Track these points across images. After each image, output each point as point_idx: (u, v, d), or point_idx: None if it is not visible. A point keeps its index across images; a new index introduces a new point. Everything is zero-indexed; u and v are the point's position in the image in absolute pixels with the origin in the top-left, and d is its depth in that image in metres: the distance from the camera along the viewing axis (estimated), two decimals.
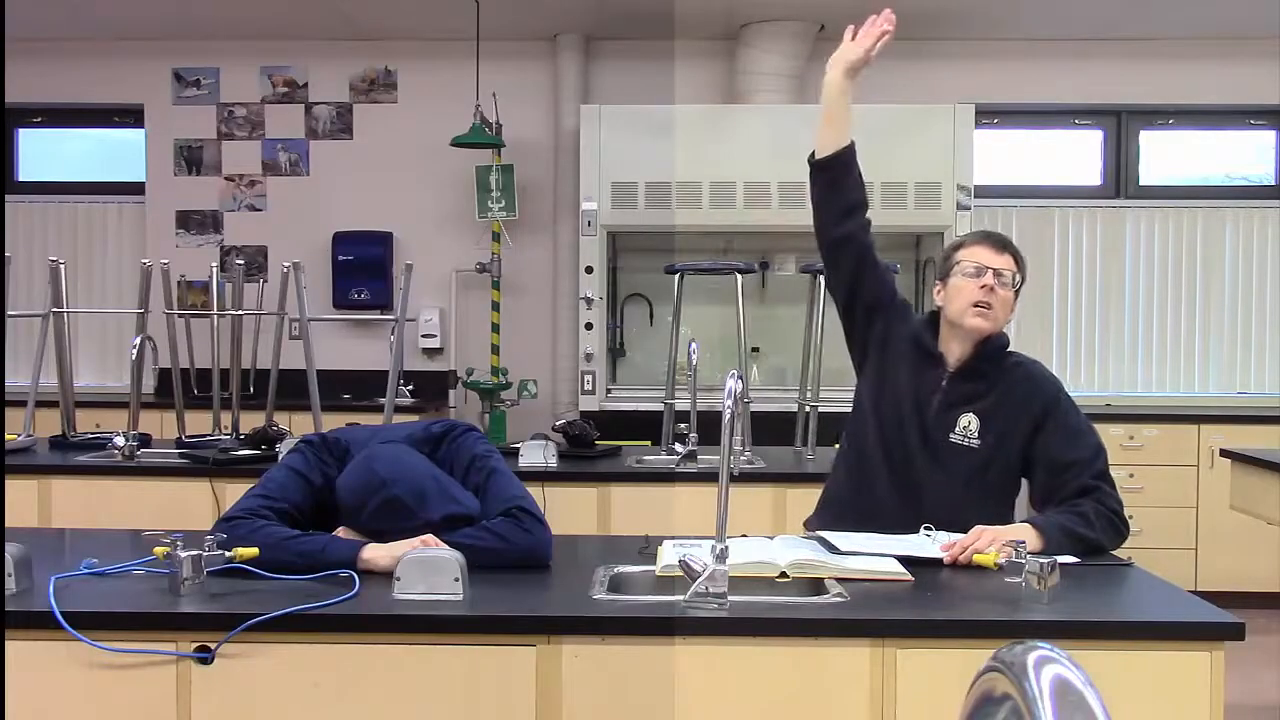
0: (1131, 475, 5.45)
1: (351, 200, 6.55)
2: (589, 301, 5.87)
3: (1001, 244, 2.70)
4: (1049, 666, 0.80)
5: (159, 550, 2.21)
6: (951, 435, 2.66)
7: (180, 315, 5.06)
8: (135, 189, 6.73)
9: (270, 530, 2.31)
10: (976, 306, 2.64)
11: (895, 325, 2.77)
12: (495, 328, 6.40)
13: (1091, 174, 6.64)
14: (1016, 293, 2.70)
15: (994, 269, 2.64)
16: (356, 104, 6.61)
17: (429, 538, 2.30)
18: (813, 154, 2.74)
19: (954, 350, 2.71)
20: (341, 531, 2.41)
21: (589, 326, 5.89)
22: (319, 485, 2.47)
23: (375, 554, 2.28)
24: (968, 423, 2.66)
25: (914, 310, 2.89)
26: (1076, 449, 2.62)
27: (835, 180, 2.73)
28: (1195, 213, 6.53)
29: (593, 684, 2.07)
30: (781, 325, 6.11)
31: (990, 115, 6.35)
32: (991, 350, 2.70)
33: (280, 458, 3.10)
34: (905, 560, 2.40)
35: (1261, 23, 5.90)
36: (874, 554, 2.45)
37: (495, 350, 6.39)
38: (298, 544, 2.29)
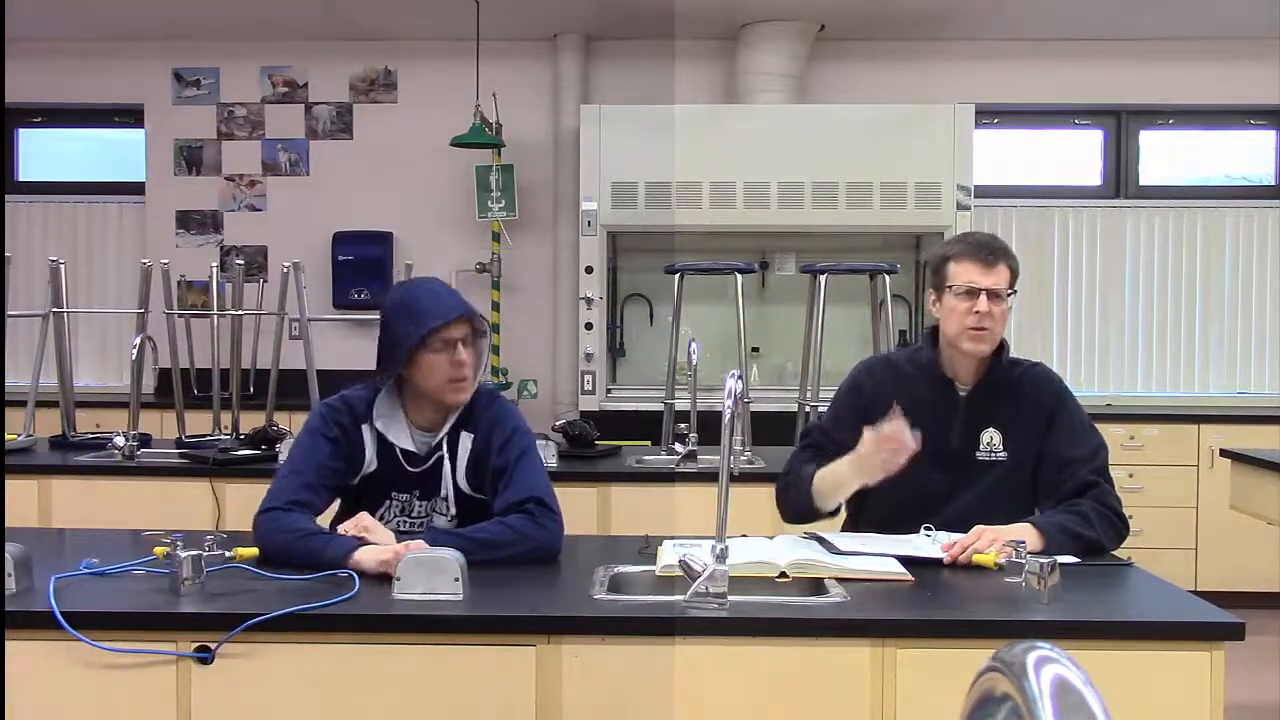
0: (1131, 475, 5.45)
1: (351, 200, 6.55)
2: (589, 301, 5.86)
3: (991, 257, 2.62)
4: (1049, 666, 0.80)
5: (159, 550, 2.22)
6: (978, 453, 2.68)
7: (180, 315, 5.06)
8: (135, 189, 6.72)
9: (294, 523, 2.40)
10: (972, 330, 2.62)
11: (874, 407, 2.67)
12: (495, 328, 6.40)
13: (1091, 174, 6.63)
14: (1012, 293, 2.67)
15: (986, 289, 2.59)
16: (356, 104, 6.61)
17: (418, 543, 2.30)
18: (809, 497, 2.66)
19: (961, 371, 2.71)
20: (358, 523, 2.43)
21: (589, 326, 5.88)
22: (337, 439, 2.57)
23: (363, 556, 2.28)
24: (990, 438, 2.68)
25: (876, 351, 2.87)
26: (1077, 446, 2.64)
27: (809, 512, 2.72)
28: (1195, 213, 6.52)
29: (593, 684, 2.07)
30: (781, 325, 6.11)
31: (990, 115, 6.35)
32: (999, 364, 2.69)
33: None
34: (905, 560, 2.40)
35: (1261, 23, 5.90)
36: (874, 554, 2.45)
37: (495, 350, 6.39)
38: (307, 541, 2.35)
